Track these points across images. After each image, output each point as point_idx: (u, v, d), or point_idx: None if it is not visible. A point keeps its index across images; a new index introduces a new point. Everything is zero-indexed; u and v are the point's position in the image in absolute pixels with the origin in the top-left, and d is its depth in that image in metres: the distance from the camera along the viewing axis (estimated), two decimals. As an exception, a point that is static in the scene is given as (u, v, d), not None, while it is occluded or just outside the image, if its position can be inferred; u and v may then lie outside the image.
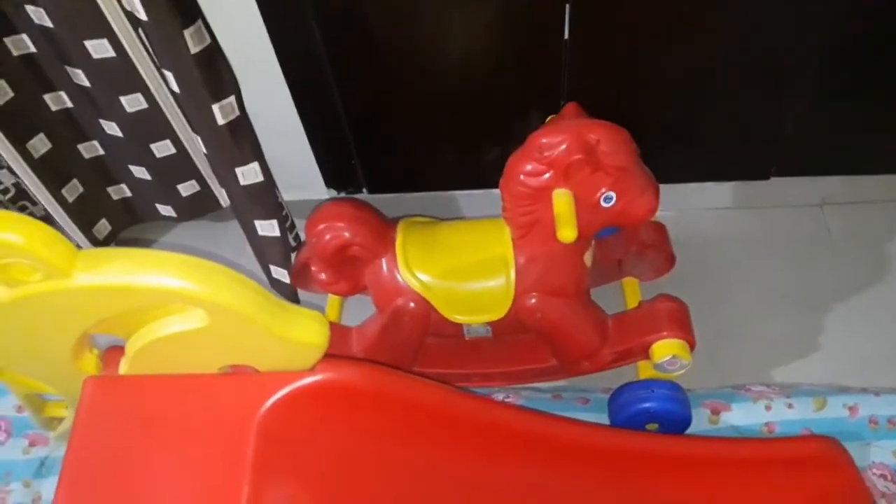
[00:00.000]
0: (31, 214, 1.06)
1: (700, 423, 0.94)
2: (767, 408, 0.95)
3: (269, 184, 0.97)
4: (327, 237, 0.85)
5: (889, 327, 1.07)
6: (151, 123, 1.03)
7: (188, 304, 0.61)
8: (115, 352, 0.72)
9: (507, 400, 0.96)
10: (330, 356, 0.69)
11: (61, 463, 0.66)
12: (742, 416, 0.95)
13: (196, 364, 0.68)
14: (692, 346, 0.89)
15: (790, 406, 0.95)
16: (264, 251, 1.05)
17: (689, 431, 0.92)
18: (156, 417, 0.68)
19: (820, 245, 1.17)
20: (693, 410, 0.90)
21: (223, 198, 1.18)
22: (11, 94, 0.97)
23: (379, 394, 0.72)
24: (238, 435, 0.66)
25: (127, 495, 0.65)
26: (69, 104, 1.04)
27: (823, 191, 1.19)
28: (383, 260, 0.88)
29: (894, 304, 1.09)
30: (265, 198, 0.98)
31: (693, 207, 1.20)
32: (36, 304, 0.60)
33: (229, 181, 0.96)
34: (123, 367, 0.69)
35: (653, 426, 0.91)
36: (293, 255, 1.04)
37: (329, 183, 1.16)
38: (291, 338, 0.65)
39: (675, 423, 0.90)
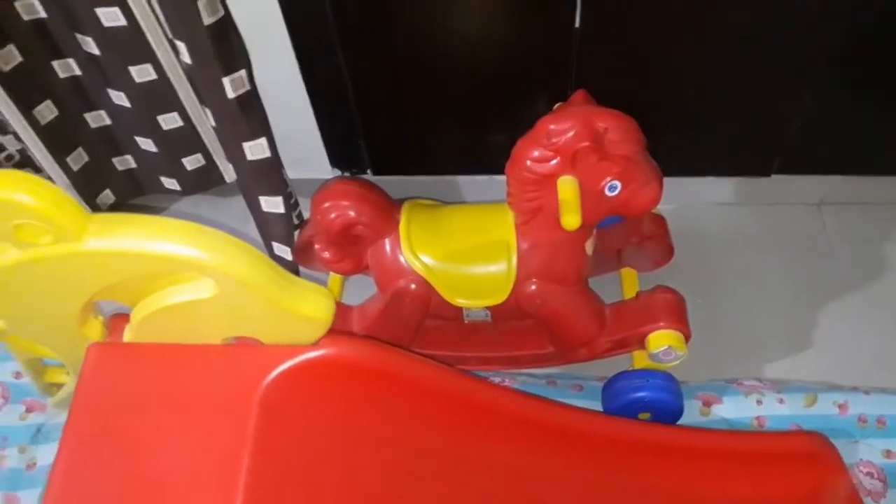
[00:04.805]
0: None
1: (691, 414, 0.95)
2: (758, 402, 0.96)
3: (275, 160, 0.97)
4: (332, 215, 0.85)
5: (881, 327, 1.08)
6: (160, 95, 1.03)
7: (199, 273, 0.61)
8: (119, 319, 0.72)
9: (502, 384, 0.97)
10: (334, 332, 0.70)
11: (62, 428, 0.66)
12: (733, 410, 0.96)
13: (201, 334, 0.68)
14: (687, 338, 0.90)
15: (781, 401, 0.96)
16: (268, 227, 1.05)
17: (680, 423, 0.93)
18: (159, 386, 0.68)
19: (816, 244, 1.18)
20: (685, 402, 0.91)
21: (228, 173, 1.18)
22: (20, 59, 0.97)
23: (381, 371, 0.73)
24: (240, 406, 0.66)
25: (127, 462, 0.66)
26: (78, 72, 1.03)
27: (823, 190, 1.21)
28: (387, 240, 0.88)
29: (887, 304, 1.11)
30: (271, 174, 0.98)
31: (693, 201, 1.20)
32: (45, 268, 0.61)
33: (236, 156, 0.96)
34: (128, 335, 0.70)
35: (645, 415, 0.92)
36: (296, 233, 1.04)
37: (334, 162, 1.16)
38: (298, 312, 0.65)
39: (668, 414, 0.91)
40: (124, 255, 0.59)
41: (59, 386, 0.90)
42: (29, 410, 0.98)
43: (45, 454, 0.94)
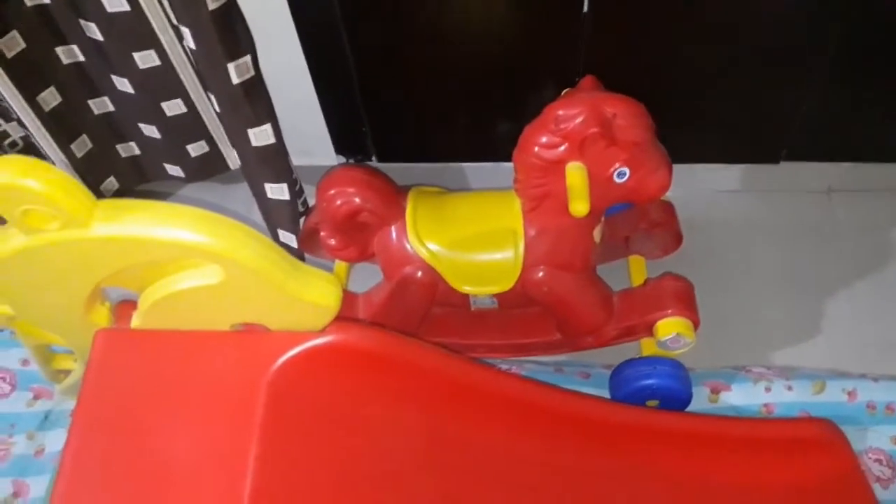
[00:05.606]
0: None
1: (699, 401, 0.95)
2: (767, 389, 0.96)
3: (280, 146, 0.97)
4: (338, 202, 0.85)
5: (889, 315, 1.07)
6: (163, 81, 1.02)
7: (206, 259, 0.61)
8: (127, 305, 0.72)
9: (509, 371, 0.97)
10: (341, 319, 0.69)
11: (71, 415, 0.66)
12: (741, 397, 0.96)
13: (208, 320, 0.68)
14: (696, 326, 0.90)
15: (789, 388, 0.96)
16: (273, 214, 1.05)
17: (688, 410, 0.92)
18: (166, 372, 0.68)
19: (825, 231, 1.18)
20: (693, 389, 0.91)
21: (232, 160, 1.17)
22: (23, 46, 0.96)
23: (388, 357, 0.73)
24: (248, 392, 0.66)
25: (136, 448, 0.66)
26: (81, 58, 1.03)
27: (831, 177, 1.20)
28: (393, 228, 0.88)
29: (895, 292, 1.10)
30: (276, 160, 0.98)
31: (702, 188, 1.20)
32: (52, 253, 0.60)
33: (241, 142, 0.95)
34: (135, 321, 0.69)
35: (653, 403, 0.92)
36: (301, 220, 1.04)
37: (338, 149, 1.15)
38: (305, 298, 0.65)
39: (676, 401, 0.91)
40: (131, 241, 0.59)
41: (67, 373, 0.90)
42: (36, 397, 0.98)
43: (53, 440, 0.94)
